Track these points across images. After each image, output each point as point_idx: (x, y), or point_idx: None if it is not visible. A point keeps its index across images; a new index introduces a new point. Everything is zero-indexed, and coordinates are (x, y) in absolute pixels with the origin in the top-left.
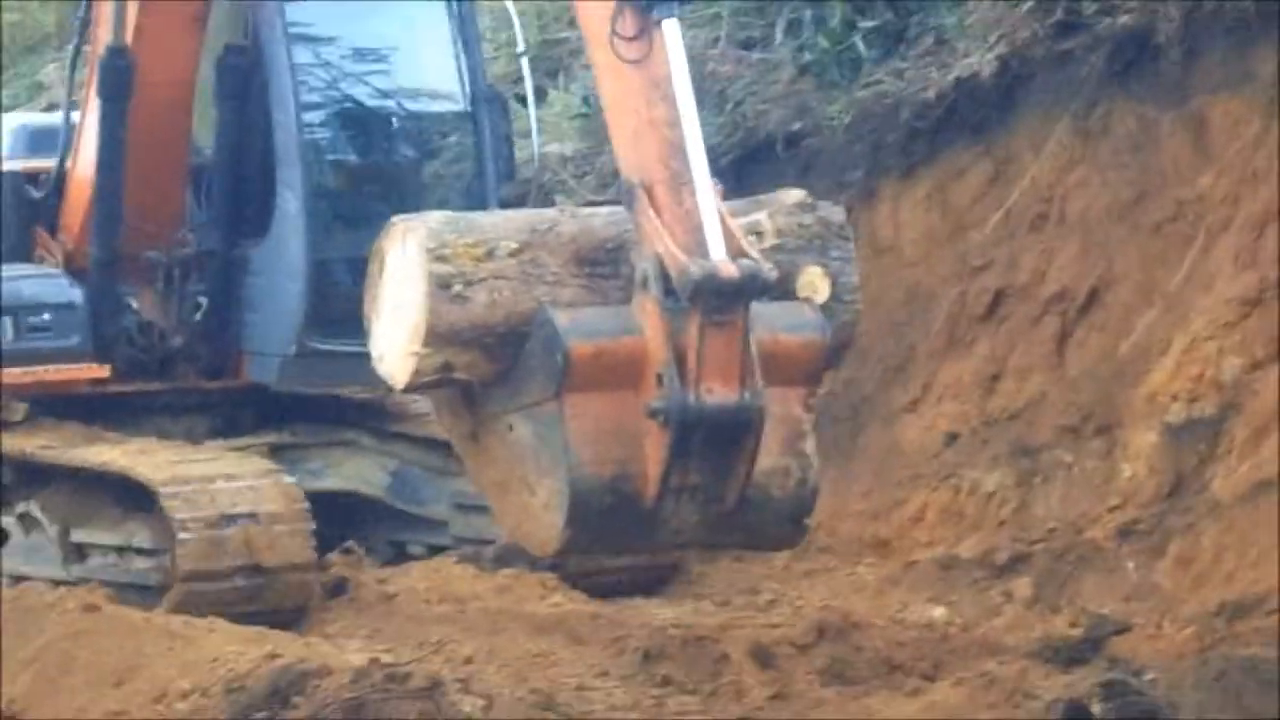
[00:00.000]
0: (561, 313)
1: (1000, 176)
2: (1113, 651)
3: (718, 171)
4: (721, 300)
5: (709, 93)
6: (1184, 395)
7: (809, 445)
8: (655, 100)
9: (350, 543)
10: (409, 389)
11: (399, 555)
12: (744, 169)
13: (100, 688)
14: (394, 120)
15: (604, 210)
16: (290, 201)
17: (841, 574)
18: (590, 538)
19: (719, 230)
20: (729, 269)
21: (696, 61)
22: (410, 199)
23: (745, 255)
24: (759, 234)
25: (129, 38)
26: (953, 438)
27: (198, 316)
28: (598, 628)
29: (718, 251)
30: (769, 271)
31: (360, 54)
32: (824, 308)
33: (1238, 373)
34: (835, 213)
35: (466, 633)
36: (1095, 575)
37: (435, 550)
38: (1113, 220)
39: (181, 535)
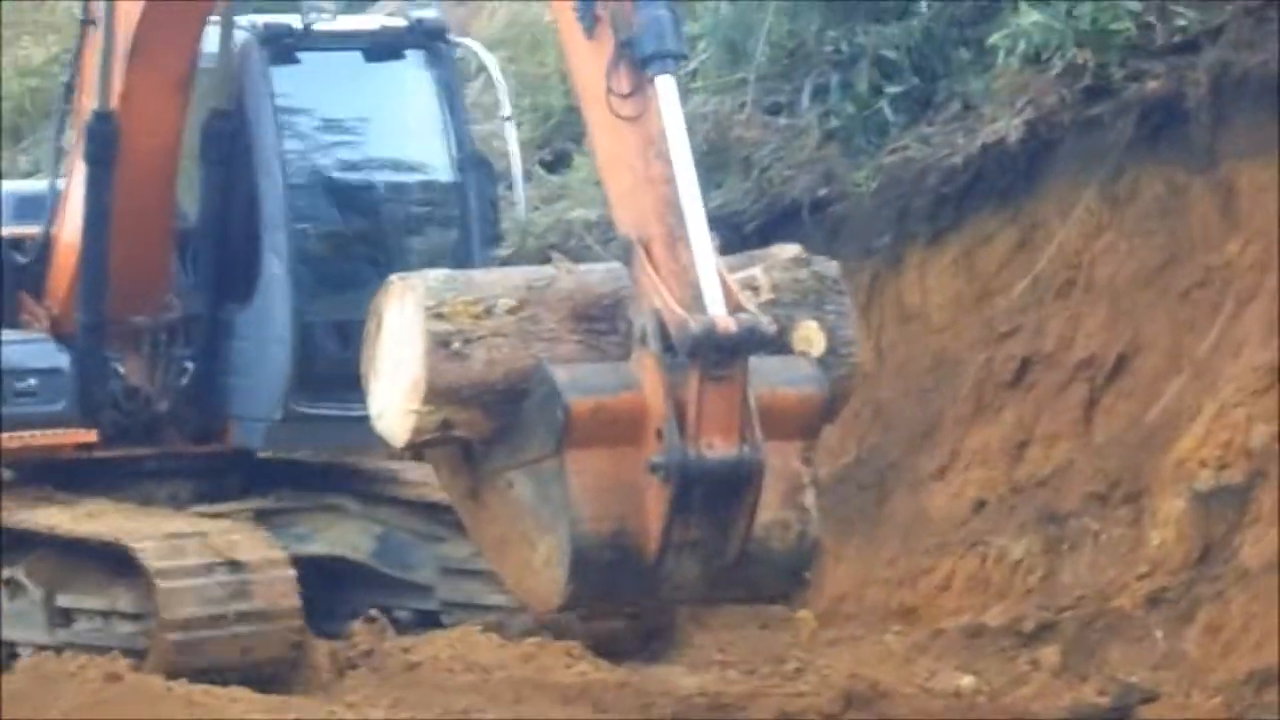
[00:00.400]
0: (560, 369)
1: (1027, 242)
2: None
3: (743, 237)
4: (720, 355)
5: (734, 158)
6: (1212, 462)
7: (808, 498)
8: (651, 157)
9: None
10: (409, 447)
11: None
12: (770, 234)
13: None
14: (379, 186)
15: (601, 267)
16: (275, 266)
17: (868, 642)
18: (592, 592)
19: (717, 286)
20: (727, 324)
21: (722, 127)
22: (395, 263)
23: (743, 310)
24: (755, 289)
25: (114, 103)
26: (980, 505)
27: (184, 381)
28: (623, 696)
29: (716, 307)
30: (767, 326)
31: (345, 121)
32: (820, 361)
33: (1266, 440)
34: (830, 267)
35: (491, 702)
36: (1123, 643)
37: (423, 615)
38: (1140, 286)
39: (162, 585)
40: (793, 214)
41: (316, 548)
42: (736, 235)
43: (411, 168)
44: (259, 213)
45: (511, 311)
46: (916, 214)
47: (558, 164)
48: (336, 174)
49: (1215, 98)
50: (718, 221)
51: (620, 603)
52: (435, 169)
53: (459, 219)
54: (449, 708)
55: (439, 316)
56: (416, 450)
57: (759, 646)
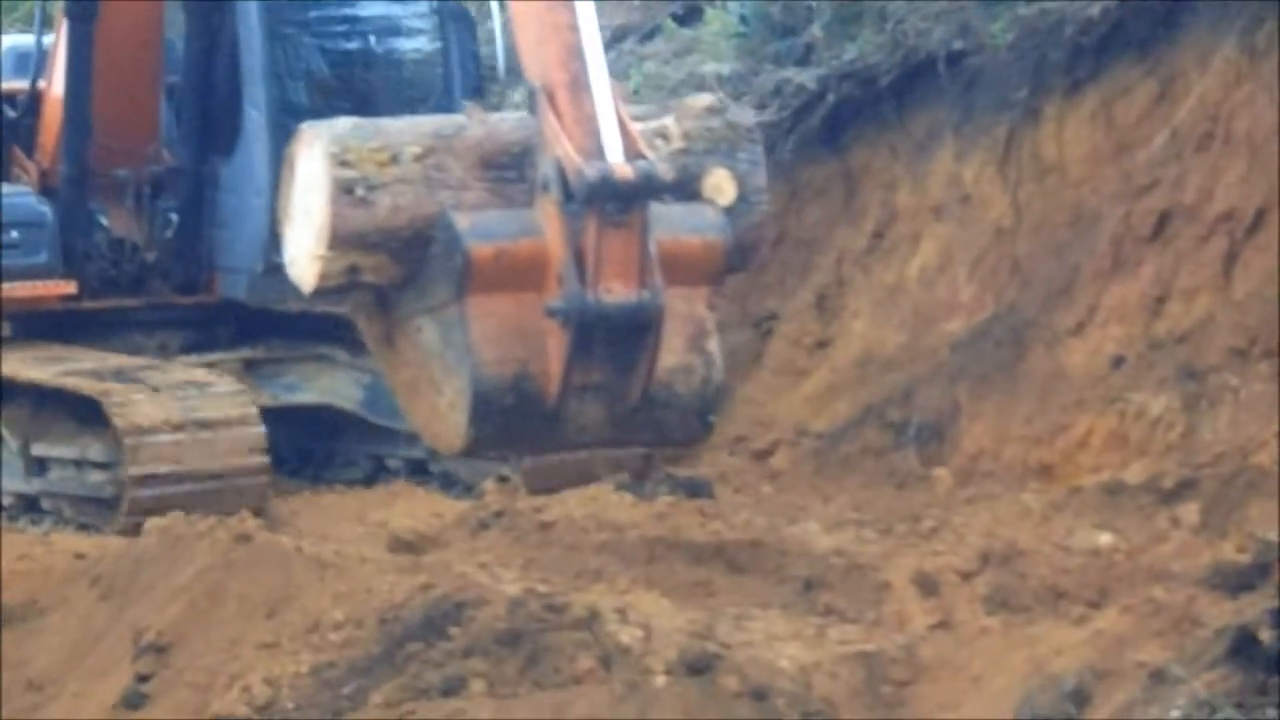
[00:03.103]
0: (462, 215)
1: (1166, 94)
2: None
3: (876, 91)
4: (618, 201)
5: (868, 11)
6: None
7: (713, 344)
8: (555, 4)
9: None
10: (317, 293)
11: (379, 469)
12: (905, 88)
13: (251, 618)
14: (359, 34)
15: (513, 115)
16: (255, 118)
17: (1005, 501)
18: (494, 436)
19: (616, 132)
20: (624, 170)
21: None
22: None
23: (642, 157)
24: (665, 138)
25: None
26: (1118, 361)
27: (169, 233)
28: (757, 556)
29: (614, 153)
30: (665, 172)
31: None
32: (730, 210)
33: None
34: (744, 116)
35: (624, 561)
36: (1263, 500)
37: (413, 465)
38: None
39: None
40: (928, 67)
41: (306, 397)
42: (870, 90)
43: (391, 17)
44: (239, 64)
45: (418, 159)
46: (1054, 66)
47: (689, 18)
48: (316, 24)
49: None
50: (852, 76)
51: (523, 447)
52: (415, 19)
53: (440, 71)
54: (582, 567)
55: (344, 164)
56: (325, 296)
57: (895, 505)
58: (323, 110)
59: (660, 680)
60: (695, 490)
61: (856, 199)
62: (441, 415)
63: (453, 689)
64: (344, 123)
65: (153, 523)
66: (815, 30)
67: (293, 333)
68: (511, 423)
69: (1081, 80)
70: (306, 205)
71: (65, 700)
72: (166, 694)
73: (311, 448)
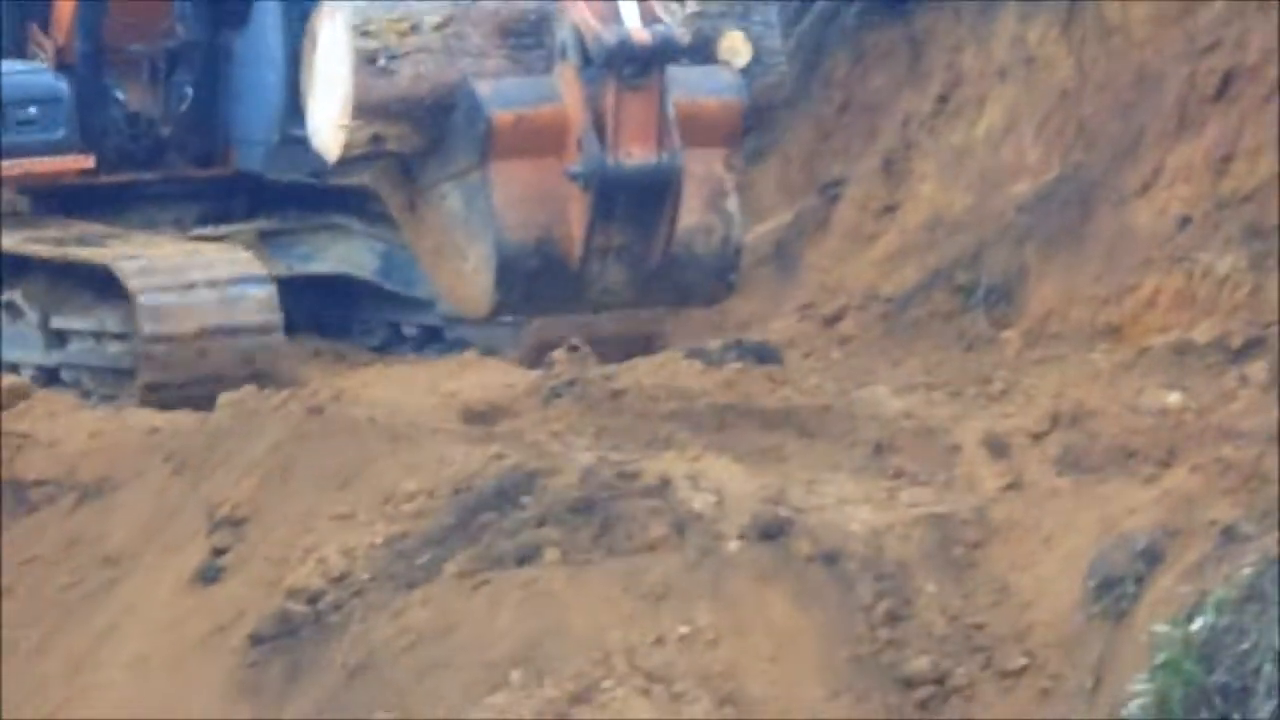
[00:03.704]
0: (483, 83)
1: None
2: None
3: None
4: (635, 65)
5: None
6: None
7: (731, 203)
8: None
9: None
10: (341, 162)
11: (395, 336)
12: None
13: (325, 490)
14: None
15: None
16: None
17: (1074, 361)
18: (519, 299)
19: None
20: (641, 35)
21: None
22: None
23: (659, 21)
24: (680, 1)
25: None
26: (1184, 221)
27: (184, 107)
28: (827, 420)
29: (631, 19)
30: (681, 36)
31: None
32: (745, 71)
33: None
34: None
35: (695, 428)
36: None
37: (428, 331)
38: None
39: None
40: None
41: (321, 266)
42: None
43: None
44: None
45: (438, 28)
46: None
47: None
48: None
49: None
50: None
51: (547, 308)
52: None
53: None
54: (653, 435)
55: (366, 34)
56: (350, 165)
57: (964, 368)
58: None
59: (733, 545)
60: (764, 356)
61: (921, 63)
62: (466, 279)
63: (527, 557)
64: None
65: (225, 397)
66: None
67: (307, 204)
68: (535, 286)
69: None
70: (329, 76)
71: (141, 575)
72: (242, 568)
73: (328, 316)
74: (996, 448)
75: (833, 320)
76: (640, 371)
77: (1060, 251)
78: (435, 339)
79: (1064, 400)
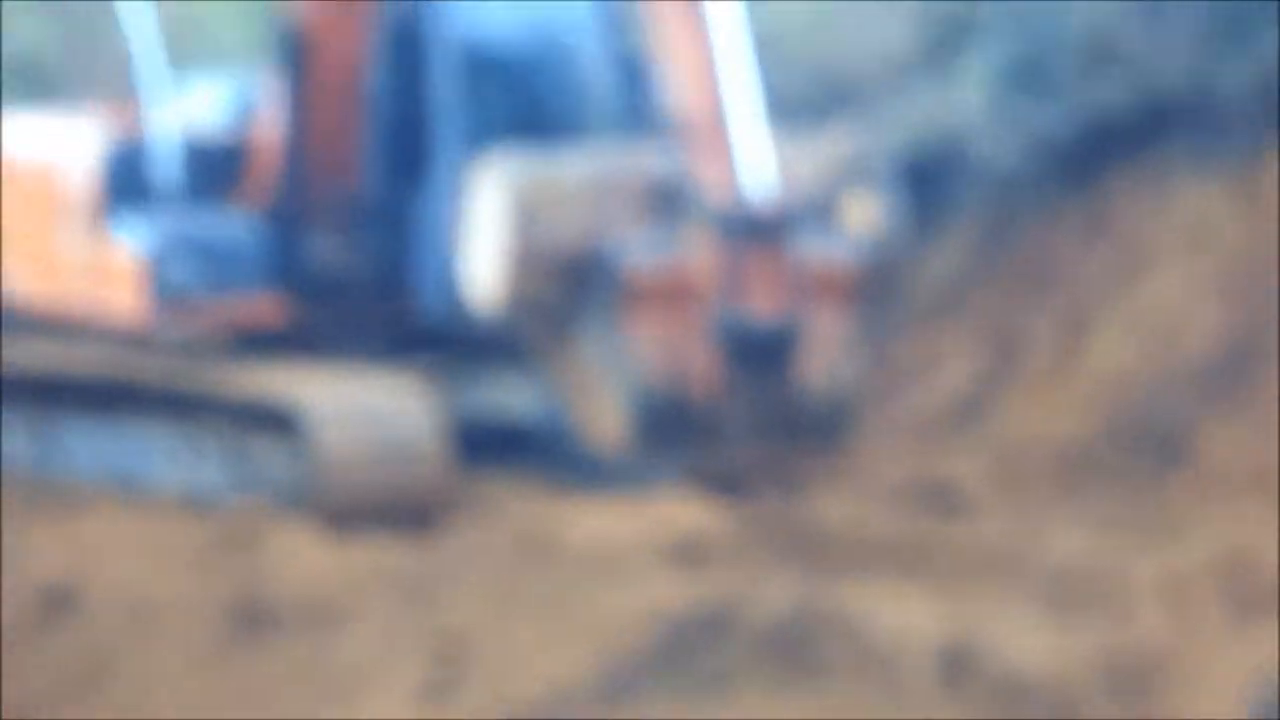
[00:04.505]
0: (619, 238)
1: None
2: None
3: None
4: (763, 230)
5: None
6: None
7: (848, 358)
8: (703, 41)
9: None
10: (498, 311)
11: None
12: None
13: (538, 616)
14: (544, 69)
15: (662, 147)
16: (442, 154)
17: (1242, 507)
18: (648, 437)
19: (762, 164)
20: (763, 205)
21: None
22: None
23: (787, 186)
24: (804, 166)
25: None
26: None
27: (368, 259)
28: (1007, 558)
29: (753, 187)
30: (801, 205)
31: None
32: (865, 234)
33: None
34: (874, 147)
35: (882, 562)
36: None
37: (587, 468)
38: None
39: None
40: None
41: (487, 407)
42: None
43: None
44: (430, 98)
45: (582, 192)
46: None
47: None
48: (501, 59)
49: None
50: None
51: (675, 447)
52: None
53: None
54: (844, 567)
55: (519, 197)
56: (505, 313)
57: (1138, 512)
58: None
59: (917, 677)
60: (949, 495)
61: (1102, 225)
62: (603, 417)
63: (725, 688)
64: (519, 158)
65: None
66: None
67: (475, 348)
68: (664, 426)
69: None
70: (486, 233)
71: (366, 694)
72: (464, 686)
73: (492, 452)
74: (1166, 588)
75: (1012, 463)
76: (830, 504)
77: (1230, 404)
78: (594, 477)
79: (1231, 544)
